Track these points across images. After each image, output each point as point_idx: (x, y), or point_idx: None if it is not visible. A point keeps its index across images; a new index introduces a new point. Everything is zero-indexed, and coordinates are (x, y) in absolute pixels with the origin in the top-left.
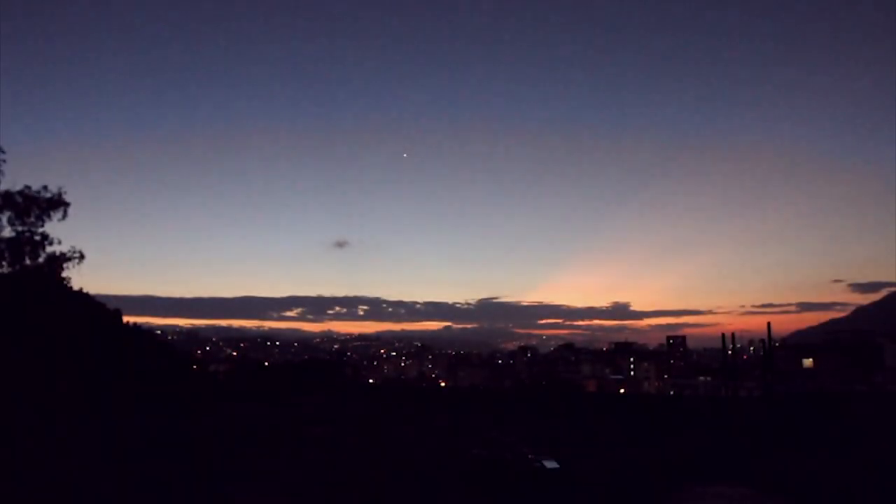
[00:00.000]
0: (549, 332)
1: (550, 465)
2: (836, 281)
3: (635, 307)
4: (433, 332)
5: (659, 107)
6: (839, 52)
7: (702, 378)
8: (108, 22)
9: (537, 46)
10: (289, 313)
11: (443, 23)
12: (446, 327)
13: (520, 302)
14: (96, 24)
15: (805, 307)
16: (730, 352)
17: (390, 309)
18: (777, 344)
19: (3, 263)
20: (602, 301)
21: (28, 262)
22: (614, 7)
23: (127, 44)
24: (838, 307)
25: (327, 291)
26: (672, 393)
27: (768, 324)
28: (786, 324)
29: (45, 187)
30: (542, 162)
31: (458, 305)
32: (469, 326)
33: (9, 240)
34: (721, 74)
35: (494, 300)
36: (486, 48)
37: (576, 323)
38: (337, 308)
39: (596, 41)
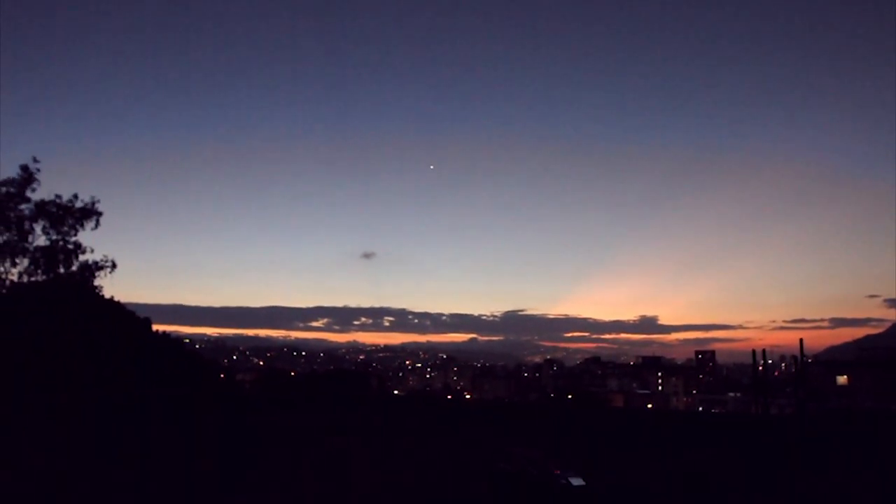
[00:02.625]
0: (576, 345)
1: (576, 481)
2: (872, 296)
3: (663, 321)
4: (459, 343)
5: (688, 120)
6: (872, 66)
7: (732, 394)
8: (141, 33)
9: (567, 60)
10: (315, 324)
11: (470, 37)
12: (472, 339)
13: (546, 315)
14: (129, 35)
15: (839, 323)
16: (760, 368)
17: (416, 320)
18: (809, 360)
19: (38, 271)
20: (629, 314)
21: (62, 270)
22: (644, 24)
23: (159, 55)
24: (873, 323)
25: (353, 302)
26: (701, 409)
27: (800, 340)
28: (819, 339)
29: (76, 196)
30: (570, 174)
31: (483, 317)
32: (495, 339)
33: (43, 248)
34: (751, 88)
35: (520, 313)
36: (513, 62)
37: (602, 336)
38: (363, 319)
39: (628, 56)
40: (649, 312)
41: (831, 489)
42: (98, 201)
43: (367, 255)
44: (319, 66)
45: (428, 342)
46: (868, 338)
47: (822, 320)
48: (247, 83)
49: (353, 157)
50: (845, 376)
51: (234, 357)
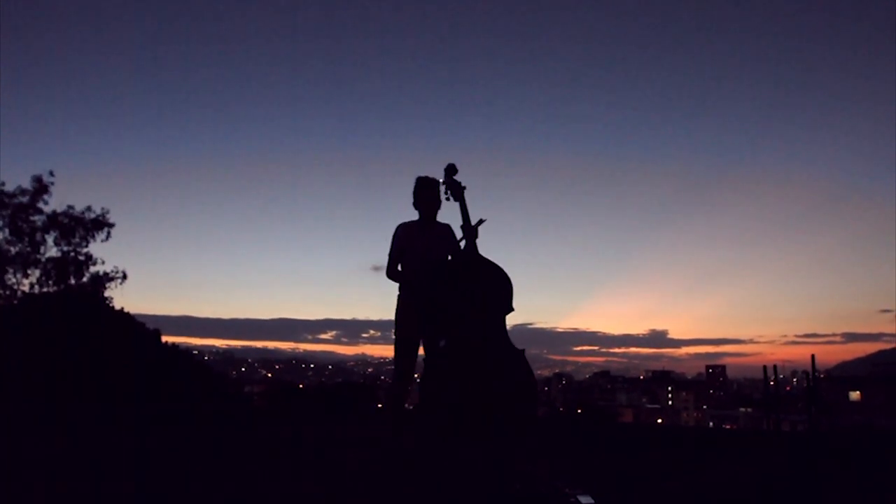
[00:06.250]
0: (585, 359)
1: (585, 500)
2: (885, 311)
3: (673, 335)
4: None
5: (698, 135)
6: (886, 83)
7: (742, 409)
8: (156, 52)
9: (579, 75)
10: (323, 336)
11: (483, 51)
12: None
13: (555, 328)
14: (144, 53)
15: (851, 337)
16: (772, 383)
17: None
18: (822, 375)
19: (49, 282)
20: (639, 328)
21: (73, 281)
22: (655, 40)
23: (172, 72)
24: (886, 338)
25: (362, 314)
26: (711, 424)
27: (812, 355)
28: (831, 354)
29: (88, 208)
30: (580, 188)
31: None
32: None
33: (55, 260)
34: (762, 104)
35: (529, 326)
36: (524, 77)
37: (612, 350)
38: (371, 331)
39: (640, 73)
40: (659, 326)
41: None
42: (108, 212)
43: (376, 268)
44: (329, 81)
45: None
46: (881, 353)
47: (834, 335)
48: (257, 99)
49: (361, 169)
50: (858, 392)
51: (243, 369)
